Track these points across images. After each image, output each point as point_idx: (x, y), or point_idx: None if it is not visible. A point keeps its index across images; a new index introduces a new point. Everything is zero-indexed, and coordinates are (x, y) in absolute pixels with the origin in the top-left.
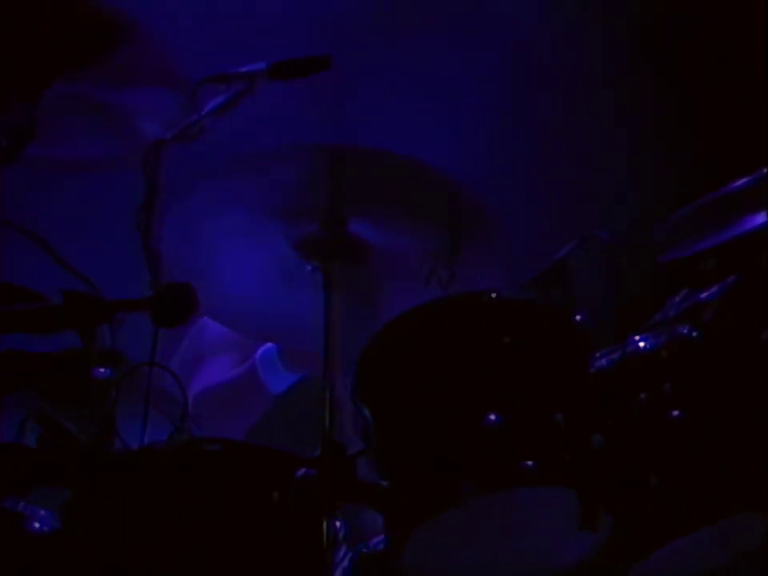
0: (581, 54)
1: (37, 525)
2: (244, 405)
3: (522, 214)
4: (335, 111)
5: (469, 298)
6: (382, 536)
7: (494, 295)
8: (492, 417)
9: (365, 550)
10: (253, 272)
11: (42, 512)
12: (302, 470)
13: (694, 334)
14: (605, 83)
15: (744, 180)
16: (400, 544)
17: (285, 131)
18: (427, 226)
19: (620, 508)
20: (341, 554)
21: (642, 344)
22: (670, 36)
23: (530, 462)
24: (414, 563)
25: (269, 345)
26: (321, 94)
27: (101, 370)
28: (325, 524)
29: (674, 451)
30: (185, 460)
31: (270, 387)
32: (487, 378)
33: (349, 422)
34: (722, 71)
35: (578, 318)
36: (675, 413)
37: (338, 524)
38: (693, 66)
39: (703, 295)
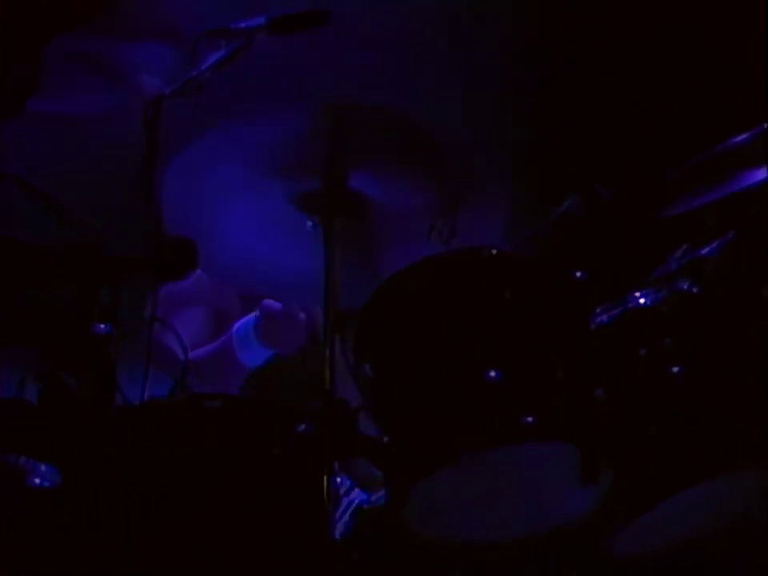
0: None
1: (37, 480)
2: (220, 379)
3: (521, 170)
4: (335, 66)
5: (469, 253)
6: (383, 491)
7: (494, 251)
8: (492, 373)
9: (365, 506)
10: (253, 227)
11: (43, 467)
12: (303, 425)
13: (695, 289)
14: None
15: (744, 135)
16: (401, 499)
17: (285, 86)
18: (427, 181)
19: (621, 462)
20: (341, 508)
21: (642, 300)
22: None
23: (530, 418)
24: (415, 518)
25: (244, 319)
26: (321, 50)
27: (101, 326)
28: (326, 479)
29: (674, 406)
30: (185, 415)
31: (244, 362)
32: (487, 334)
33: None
34: (721, 30)
35: (578, 273)
36: (675, 368)
37: (338, 479)
38: (694, 26)
39: (703, 250)
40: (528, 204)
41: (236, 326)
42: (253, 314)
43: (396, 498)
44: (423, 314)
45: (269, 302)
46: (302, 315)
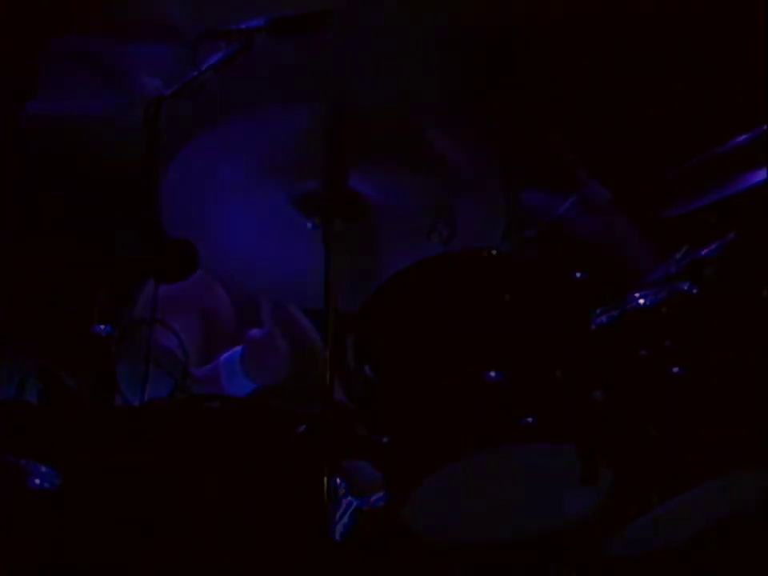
0: None
1: (37, 481)
2: None
3: (521, 171)
4: (336, 68)
5: (469, 254)
6: (382, 493)
7: (494, 252)
8: (492, 374)
9: (364, 507)
10: (253, 228)
11: (43, 468)
12: (303, 427)
13: (694, 290)
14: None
15: (744, 137)
16: (400, 499)
17: (285, 87)
18: (427, 182)
19: (621, 462)
20: (341, 510)
21: (642, 300)
22: None
23: (530, 419)
24: (415, 518)
25: (232, 350)
26: (322, 50)
27: (101, 326)
28: (326, 480)
29: (674, 407)
30: (185, 416)
31: (230, 391)
32: (488, 335)
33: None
34: (721, 30)
35: (578, 273)
36: (675, 369)
37: (338, 481)
38: (694, 26)
39: (703, 252)
40: (529, 204)
41: (224, 356)
42: (240, 347)
43: (396, 499)
44: (423, 315)
45: (255, 331)
46: (284, 347)
